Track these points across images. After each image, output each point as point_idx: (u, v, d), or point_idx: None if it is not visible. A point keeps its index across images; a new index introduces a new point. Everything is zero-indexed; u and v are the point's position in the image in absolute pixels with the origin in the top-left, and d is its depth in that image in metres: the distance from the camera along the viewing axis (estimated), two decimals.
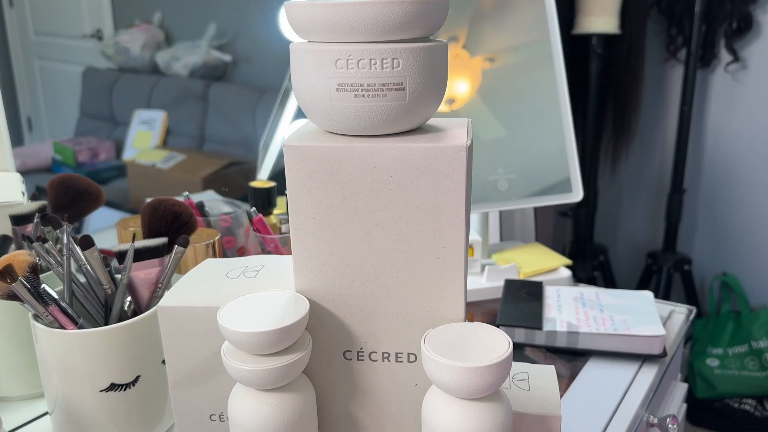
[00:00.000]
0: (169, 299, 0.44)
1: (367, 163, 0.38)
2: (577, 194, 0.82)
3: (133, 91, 2.25)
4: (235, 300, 0.41)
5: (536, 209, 1.27)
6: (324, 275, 0.41)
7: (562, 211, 1.87)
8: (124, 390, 0.49)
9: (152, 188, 1.88)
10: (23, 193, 0.69)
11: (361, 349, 0.43)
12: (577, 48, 1.74)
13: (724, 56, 1.77)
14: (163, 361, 0.52)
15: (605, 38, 1.71)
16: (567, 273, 0.86)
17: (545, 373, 0.47)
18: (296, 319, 0.38)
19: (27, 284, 0.46)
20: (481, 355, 0.37)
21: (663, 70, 1.88)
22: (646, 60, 1.80)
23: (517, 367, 0.47)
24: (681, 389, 0.83)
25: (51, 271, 0.55)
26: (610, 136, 1.88)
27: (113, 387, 0.49)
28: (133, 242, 0.50)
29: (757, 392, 1.74)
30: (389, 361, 0.43)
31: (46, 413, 0.57)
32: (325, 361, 0.43)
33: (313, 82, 0.37)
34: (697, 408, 1.79)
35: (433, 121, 0.42)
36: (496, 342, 0.38)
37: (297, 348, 0.39)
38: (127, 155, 2.08)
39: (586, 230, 1.86)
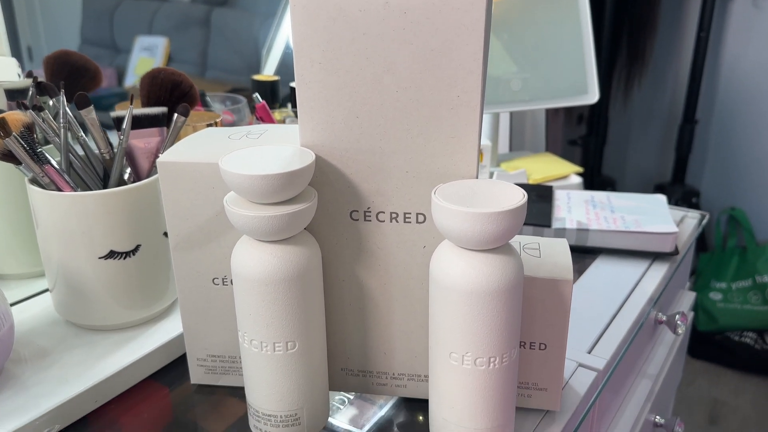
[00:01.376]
0: (169, 155, 0.42)
1: None
2: (593, 96, 0.79)
3: (135, 17, 2.19)
4: (239, 150, 0.39)
5: (547, 132, 1.24)
6: (330, 128, 0.39)
7: (571, 139, 1.84)
8: (124, 258, 0.48)
9: None
10: (19, 75, 0.66)
11: (369, 208, 0.41)
12: None
13: None
14: (165, 234, 0.51)
15: None
16: (578, 179, 0.84)
17: (557, 244, 0.45)
18: (302, 165, 0.36)
19: (22, 141, 0.44)
20: (494, 203, 0.35)
21: None
22: None
23: (529, 239, 0.46)
24: (689, 298, 0.82)
25: (50, 145, 0.53)
26: (623, 64, 1.83)
27: (113, 254, 0.48)
28: (131, 104, 0.47)
29: (758, 326, 1.75)
30: (397, 221, 0.41)
31: (45, 290, 0.56)
32: (330, 222, 0.42)
33: None
34: (697, 341, 1.80)
35: None
36: (511, 193, 0.36)
37: (302, 199, 0.38)
38: (129, 82, 2.05)
39: (594, 160, 1.83)
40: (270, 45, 0.94)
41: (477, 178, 0.39)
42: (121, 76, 2.13)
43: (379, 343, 0.45)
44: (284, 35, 0.95)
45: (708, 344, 1.81)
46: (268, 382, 0.40)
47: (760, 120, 1.79)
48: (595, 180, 1.87)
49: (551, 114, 1.50)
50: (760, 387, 1.72)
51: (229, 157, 0.38)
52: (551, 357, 0.43)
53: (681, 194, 1.82)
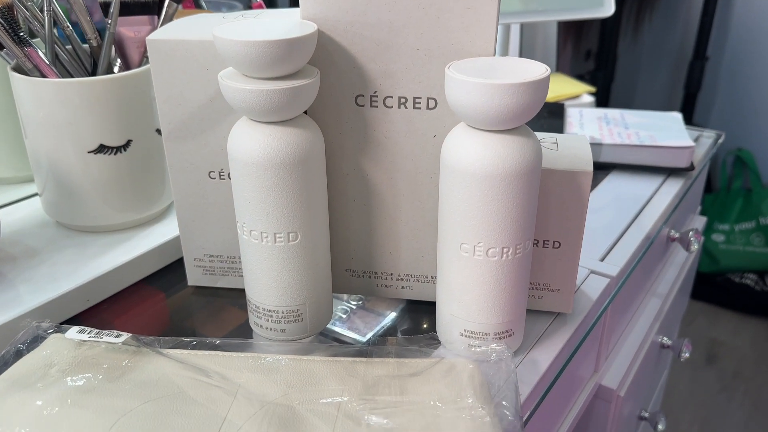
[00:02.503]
0: (159, 33, 0.39)
1: None
2: (608, 8, 0.75)
3: None
4: (234, 21, 0.36)
5: (558, 57, 1.20)
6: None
7: (579, 74, 1.79)
8: (115, 154, 0.46)
9: None
10: None
11: (375, 93, 0.38)
12: None
13: None
14: (158, 131, 0.48)
15: None
16: (590, 99, 0.80)
17: (576, 138, 0.42)
18: (304, 33, 0.33)
19: (2, 20, 0.41)
20: (513, 76, 0.32)
21: None
22: None
23: (544, 134, 0.43)
24: (699, 222, 0.80)
25: (37, 39, 0.50)
26: None
27: (102, 149, 0.45)
28: None
29: (759, 267, 1.74)
30: (406, 107, 0.38)
31: (34, 194, 0.54)
32: (334, 108, 0.39)
33: None
34: (698, 282, 1.80)
35: None
36: (532, 68, 0.33)
37: (303, 76, 0.35)
38: None
39: (602, 97, 1.79)
40: None
41: (494, 56, 0.36)
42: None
43: (385, 242, 0.43)
44: None
45: (709, 285, 1.80)
46: (269, 275, 0.38)
47: None
48: None
49: (561, 46, 1.45)
50: (759, 328, 1.73)
51: (225, 27, 0.34)
52: (565, 256, 0.41)
53: None
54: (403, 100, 0.38)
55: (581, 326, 0.43)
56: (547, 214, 0.40)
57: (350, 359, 0.36)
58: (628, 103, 1.97)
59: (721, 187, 1.84)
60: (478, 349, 0.37)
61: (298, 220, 0.37)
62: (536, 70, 0.33)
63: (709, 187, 1.88)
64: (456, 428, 0.31)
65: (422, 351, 0.38)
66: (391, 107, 0.38)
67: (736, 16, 1.76)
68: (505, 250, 0.35)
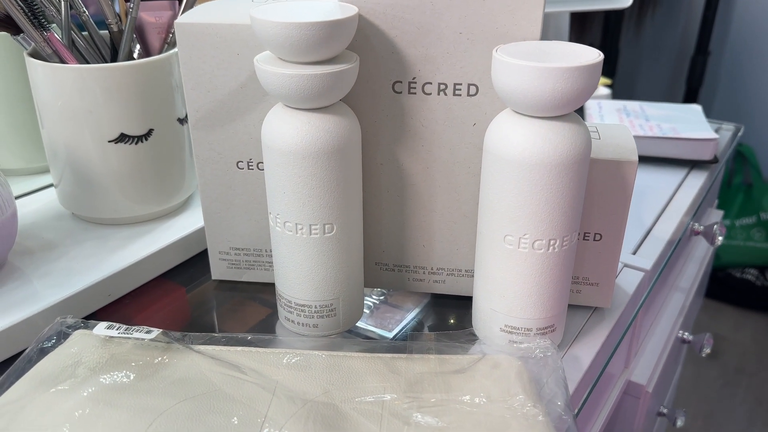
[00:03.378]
0: (188, 17, 0.37)
1: None
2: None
3: None
4: (273, 4, 0.34)
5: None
6: None
7: None
8: (136, 143, 0.44)
9: None
10: None
11: (414, 79, 0.37)
12: None
13: None
14: (179, 120, 0.46)
15: None
16: (607, 91, 0.79)
17: (617, 128, 0.41)
18: (346, 15, 0.32)
19: (20, 2, 0.39)
20: (567, 60, 0.31)
21: None
22: None
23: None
24: (717, 215, 0.79)
25: (53, 24, 0.48)
26: None
27: (123, 138, 0.43)
28: None
29: (760, 262, 1.74)
30: (445, 94, 0.37)
31: (48, 186, 0.52)
32: (371, 94, 0.37)
33: None
34: None
35: None
36: (584, 52, 0.32)
37: (343, 60, 0.33)
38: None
39: None
40: None
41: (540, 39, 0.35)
42: None
43: (419, 234, 0.41)
44: None
45: (710, 280, 1.80)
46: (303, 268, 0.36)
47: None
48: None
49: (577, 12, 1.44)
50: (760, 323, 1.73)
51: (262, 9, 0.33)
52: (606, 249, 0.40)
53: None
54: (442, 87, 0.37)
55: (620, 322, 0.42)
56: (589, 205, 0.39)
57: (389, 356, 0.35)
58: (630, 96, 1.97)
59: (722, 182, 1.84)
60: (521, 345, 0.36)
61: (335, 212, 0.35)
62: (589, 54, 0.32)
63: None
64: (509, 427, 0.30)
65: (462, 347, 0.37)
66: (430, 94, 0.37)
67: (737, 12, 1.75)
68: (551, 242, 0.34)
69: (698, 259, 0.71)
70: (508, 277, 0.35)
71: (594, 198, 0.38)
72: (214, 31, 0.37)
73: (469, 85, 0.36)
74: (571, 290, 0.41)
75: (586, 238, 0.40)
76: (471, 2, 0.34)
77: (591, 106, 0.71)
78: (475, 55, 0.35)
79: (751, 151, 1.82)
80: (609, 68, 1.77)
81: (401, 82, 0.37)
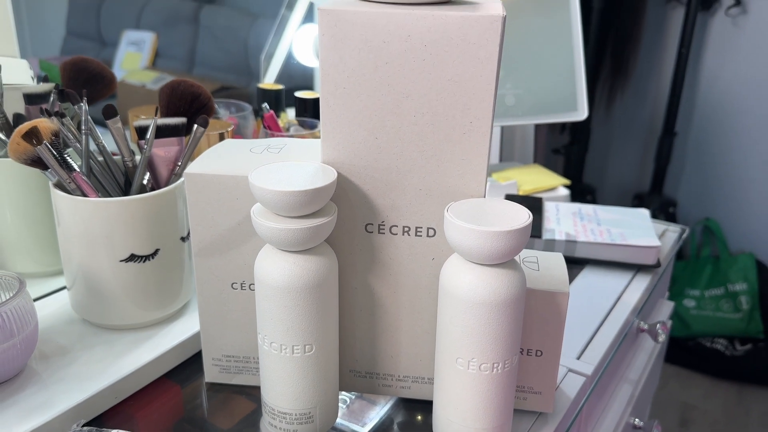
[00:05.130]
0: (195, 167, 0.44)
1: (402, 31, 0.38)
2: (581, 113, 0.83)
3: (122, 11, 2.18)
4: (266, 166, 0.42)
5: (536, 141, 1.28)
6: (351, 147, 0.42)
7: (555, 148, 1.89)
8: (144, 262, 0.51)
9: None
10: (32, 78, 0.68)
11: (383, 222, 0.44)
12: None
13: (726, 0, 1.76)
14: (182, 238, 0.53)
15: None
16: (565, 192, 0.88)
17: (554, 258, 0.49)
18: (326, 183, 0.39)
19: (52, 149, 0.46)
20: (502, 222, 0.38)
21: (664, 12, 1.87)
22: (648, 0, 1.79)
23: (527, 252, 0.49)
24: (668, 306, 0.87)
25: (70, 149, 0.55)
26: (607, 75, 1.88)
27: (133, 258, 0.50)
28: (156, 116, 0.50)
29: (729, 332, 1.81)
30: (409, 235, 0.44)
31: (62, 288, 0.58)
32: (347, 233, 0.45)
33: None
34: (671, 346, 1.86)
35: None
36: (517, 213, 0.40)
37: (323, 214, 0.40)
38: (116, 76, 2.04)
39: (576, 169, 1.88)
40: (270, 52, 0.96)
41: (485, 197, 0.42)
42: None
43: (387, 347, 0.48)
44: (286, 44, 0.97)
45: (681, 349, 1.87)
46: (285, 382, 0.43)
47: (736, 135, 1.85)
48: (576, 188, 1.92)
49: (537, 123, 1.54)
50: (729, 392, 1.79)
51: (258, 172, 0.40)
52: (546, 363, 0.47)
53: (659, 204, 1.88)
54: (406, 229, 0.44)
55: (562, 423, 0.48)
56: (530, 327, 0.46)
57: None
58: (602, 174, 2.07)
59: (692, 255, 1.93)
60: None
61: (314, 334, 0.42)
62: (521, 216, 0.39)
63: (680, 255, 1.96)
64: None
65: None
66: (396, 234, 0.44)
67: (701, 95, 1.88)
68: (495, 365, 0.41)
69: (648, 350, 0.78)
70: (461, 393, 0.42)
71: (534, 321, 0.45)
72: (218, 180, 0.44)
73: (428, 228, 0.44)
74: (518, 397, 0.48)
75: (529, 354, 0.47)
76: (428, 166, 0.42)
77: (549, 208, 0.79)
78: (433, 206, 0.43)
79: (718, 225, 1.91)
80: (582, 147, 1.88)
81: (372, 224, 0.44)
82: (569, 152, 1.88)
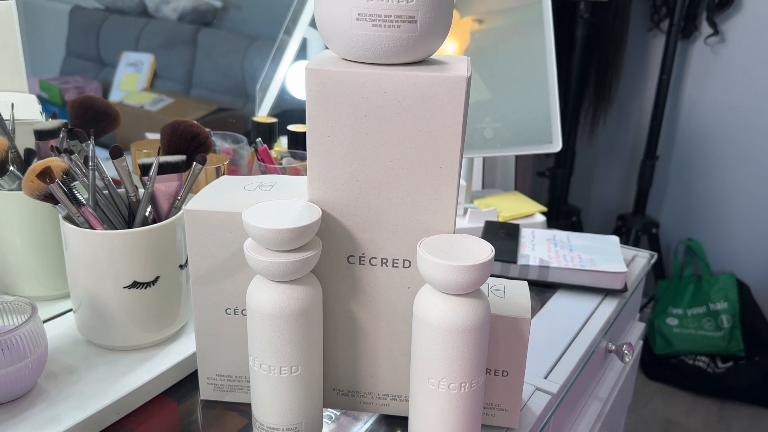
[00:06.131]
0: (194, 204, 0.49)
1: (379, 88, 0.43)
2: (556, 145, 0.89)
3: (121, 32, 2.24)
4: (258, 204, 0.46)
5: (516, 167, 1.34)
6: (334, 188, 0.47)
7: (540, 171, 1.95)
8: (145, 288, 0.55)
9: (140, 130, 1.90)
10: (41, 113, 0.73)
11: (363, 254, 0.49)
12: (564, 12, 1.80)
13: (705, 29, 1.83)
14: (180, 266, 0.58)
15: (593, 4, 1.77)
16: (542, 218, 0.93)
17: (519, 286, 0.53)
18: (311, 221, 0.44)
19: (63, 187, 0.51)
20: (468, 257, 0.43)
21: (646, 39, 1.94)
22: (630, 28, 1.86)
23: (496, 281, 0.54)
24: (638, 328, 0.92)
25: (77, 182, 0.60)
26: (590, 101, 1.95)
27: (135, 285, 0.55)
28: (159, 155, 0.55)
29: (710, 350, 1.85)
30: (387, 266, 0.49)
31: (68, 311, 0.63)
32: (330, 264, 0.49)
33: (335, 10, 0.42)
34: (654, 363, 1.91)
35: (437, 57, 0.47)
36: (481, 249, 0.45)
37: (309, 247, 0.45)
38: (114, 97, 2.09)
39: (561, 191, 1.94)
40: (265, 84, 1.02)
41: (454, 232, 0.47)
42: (106, 90, 2.17)
43: (367, 367, 0.52)
44: (280, 77, 1.02)
45: (664, 367, 1.91)
46: (273, 400, 0.47)
47: (715, 159, 1.92)
48: (561, 209, 1.97)
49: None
50: (711, 409, 1.83)
51: (250, 211, 0.45)
52: (512, 382, 0.51)
53: (641, 225, 1.94)
54: (384, 261, 0.49)
55: None
56: (496, 350, 0.50)
57: None
58: (586, 196, 2.13)
59: (674, 274, 1.98)
60: None
61: (300, 357, 0.47)
62: (484, 251, 0.44)
63: (663, 274, 2.02)
64: None
65: None
66: (375, 265, 0.49)
67: (682, 120, 1.95)
68: (462, 384, 0.45)
69: (617, 369, 0.83)
70: (432, 410, 0.46)
71: (499, 344, 0.50)
72: (215, 216, 0.49)
73: (403, 260, 0.49)
74: (486, 414, 0.53)
75: (495, 374, 0.51)
76: (403, 205, 0.47)
77: (526, 234, 0.84)
78: (408, 241, 0.48)
79: (699, 246, 1.97)
80: (566, 170, 1.93)
81: (354, 256, 0.49)
82: (554, 175, 1.94)
